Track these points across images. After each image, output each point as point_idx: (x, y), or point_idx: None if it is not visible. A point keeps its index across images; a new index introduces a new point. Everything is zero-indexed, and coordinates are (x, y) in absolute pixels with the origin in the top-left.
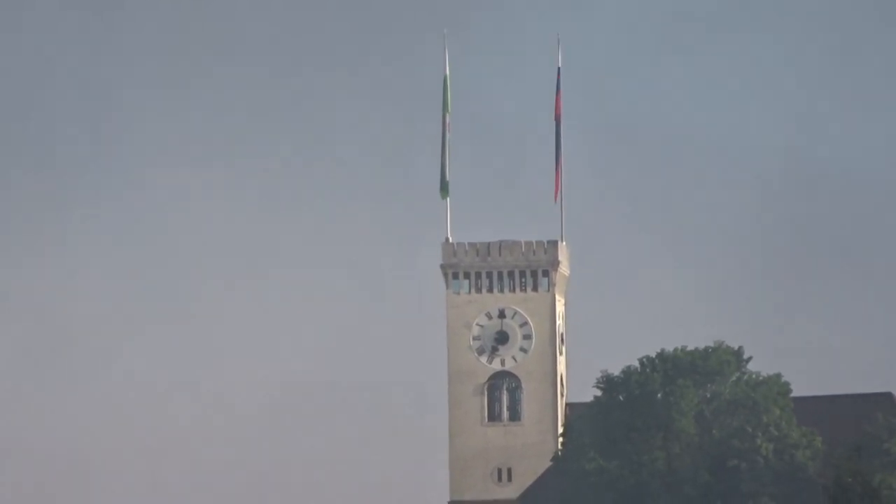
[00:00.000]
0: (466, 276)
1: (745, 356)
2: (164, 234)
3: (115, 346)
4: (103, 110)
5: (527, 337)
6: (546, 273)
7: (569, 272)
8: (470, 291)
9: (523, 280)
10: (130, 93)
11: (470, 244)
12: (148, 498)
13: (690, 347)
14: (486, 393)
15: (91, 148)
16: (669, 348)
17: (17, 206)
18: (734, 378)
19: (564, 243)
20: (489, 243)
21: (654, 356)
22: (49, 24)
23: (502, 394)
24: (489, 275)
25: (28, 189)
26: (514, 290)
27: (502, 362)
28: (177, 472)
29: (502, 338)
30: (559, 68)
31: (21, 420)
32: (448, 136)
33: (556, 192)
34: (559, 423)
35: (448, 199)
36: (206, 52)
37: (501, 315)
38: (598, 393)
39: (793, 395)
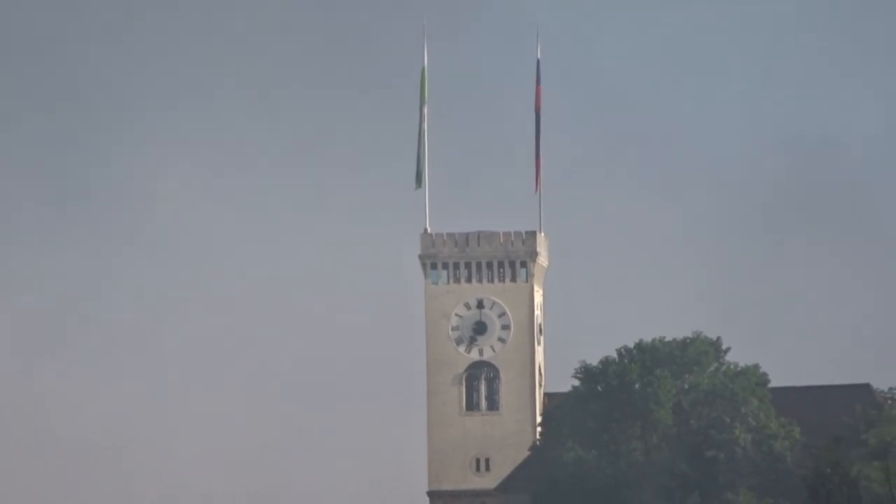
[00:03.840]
0: (445, 266)
1: (724, 347)
2: (145, 229)
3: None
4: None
5: (505, 327)
6: (524, 264)
7: (547, 263)
8: (448, 282)
9: (501, 271)
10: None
11: (448, 235)
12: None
13: (668, 338)
14: (464, 383)
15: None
16: (647, 339)
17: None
18: (712, 369)
19: (543, 234)
20: (468, 234)
21: (632, 347)
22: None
23: (480, 384)
24: (468, 265)
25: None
26: (492, 281)
27: (481, 352)
28: (156, 465)
29: (481, 328)
30: (538, 60)
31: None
32: (425, 126)
33: (537, 184)
34: (537, 414)
35: (427, 189)
36: (178, 48)
37: (480, 305)
38: (577, 383)
39: (771, 385)
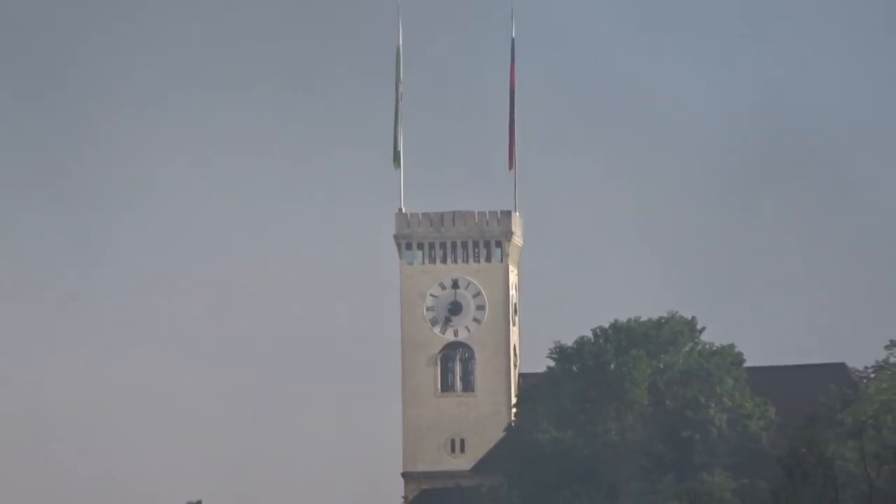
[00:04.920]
0: (420, 246)
1: (699, 326)
2: (118, 206)
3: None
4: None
5: (480, 307)
6: (499, 243)
7: (522, 243)
8: (423, 262)
9: (476, 250)
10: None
11: (423, 214)
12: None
13: (644, 318)
14: (439, 363)
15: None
16: (623, 319)
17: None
18: (687, 348)
19: (518, 214)
20: (442, 214)
21: (607, 327)
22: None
23: (455, 364)
24: (443, 245)
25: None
26: (467, 261)
27: (455, 333)
28: (123, 436)
29: (455, 308)
30: (513, 39)
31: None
32: (400, 106)
33: (511, 163)
34: (512, 394)
35: (401, 169)
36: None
37: (455, 285)
38: (552, 363)
39: (746, 365)
